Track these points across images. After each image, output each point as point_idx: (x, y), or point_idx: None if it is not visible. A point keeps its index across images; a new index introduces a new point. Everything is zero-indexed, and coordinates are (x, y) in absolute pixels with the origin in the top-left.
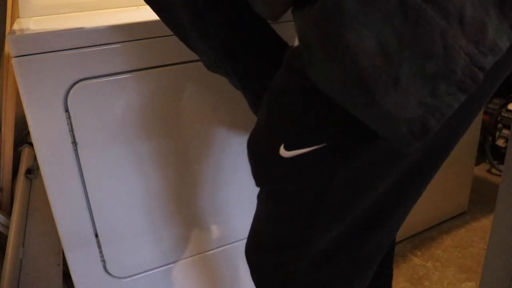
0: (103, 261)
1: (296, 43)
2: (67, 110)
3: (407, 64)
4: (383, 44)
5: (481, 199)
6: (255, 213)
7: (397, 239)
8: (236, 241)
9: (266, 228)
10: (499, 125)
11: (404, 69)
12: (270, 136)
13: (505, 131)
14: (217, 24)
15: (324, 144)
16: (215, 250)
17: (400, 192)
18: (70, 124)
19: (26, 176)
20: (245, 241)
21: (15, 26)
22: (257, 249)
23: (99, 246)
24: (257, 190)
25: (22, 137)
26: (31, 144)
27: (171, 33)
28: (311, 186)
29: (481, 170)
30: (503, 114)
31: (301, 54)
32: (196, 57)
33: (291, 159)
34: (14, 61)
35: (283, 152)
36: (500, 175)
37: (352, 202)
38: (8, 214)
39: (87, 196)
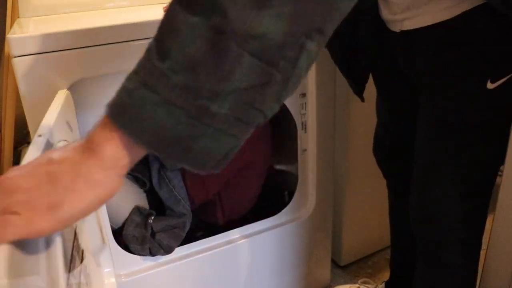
0: None
1: None
2: None
3: None
4: None
5: None
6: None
7: None
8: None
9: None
10: None
11: None
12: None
13: None
14: None
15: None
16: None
17: None
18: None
19: None
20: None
21: (15, 26)
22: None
23: None
24: None
25: (22, 137)
26: None
27: None
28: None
29: None
30: None
31: None
32: None
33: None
34: (14, 61)
35: (490, 85)
36: (500, 175)
37: None
38: None
39: None
